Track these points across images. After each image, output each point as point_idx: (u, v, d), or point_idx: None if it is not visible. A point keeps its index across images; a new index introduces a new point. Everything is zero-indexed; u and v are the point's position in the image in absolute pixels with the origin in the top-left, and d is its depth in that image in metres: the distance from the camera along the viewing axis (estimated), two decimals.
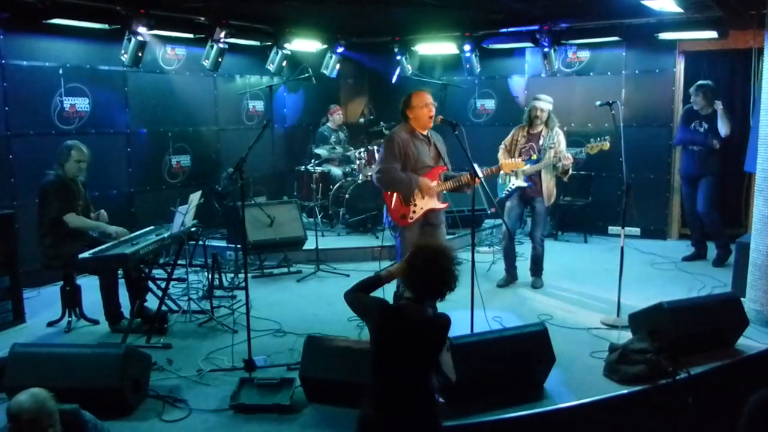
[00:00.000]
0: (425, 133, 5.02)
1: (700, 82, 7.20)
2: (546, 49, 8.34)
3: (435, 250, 2.88)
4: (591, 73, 8.72)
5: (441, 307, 3.30)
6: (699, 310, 4.73)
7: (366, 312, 3.01)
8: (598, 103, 5.61)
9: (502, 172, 5.56)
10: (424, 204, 4.97)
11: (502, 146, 6.28)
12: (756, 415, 1.83)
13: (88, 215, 5.41)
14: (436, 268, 2.81)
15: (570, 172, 6.14)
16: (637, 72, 8.43)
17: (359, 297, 3.01)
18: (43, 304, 5.91)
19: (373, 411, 2.84)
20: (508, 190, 6.25)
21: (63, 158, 5.25)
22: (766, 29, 4.67)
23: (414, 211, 4.96)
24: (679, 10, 6.45)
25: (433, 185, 4.94)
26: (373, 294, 3.04)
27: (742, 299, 5.06)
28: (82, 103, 6.98)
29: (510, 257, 6.47)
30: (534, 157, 6.09)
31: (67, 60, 6.83)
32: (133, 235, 5.40)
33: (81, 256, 4.84)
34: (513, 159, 5.66)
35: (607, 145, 5.90)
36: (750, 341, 4.83)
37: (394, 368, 2.85)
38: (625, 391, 4.13)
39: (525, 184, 6.14)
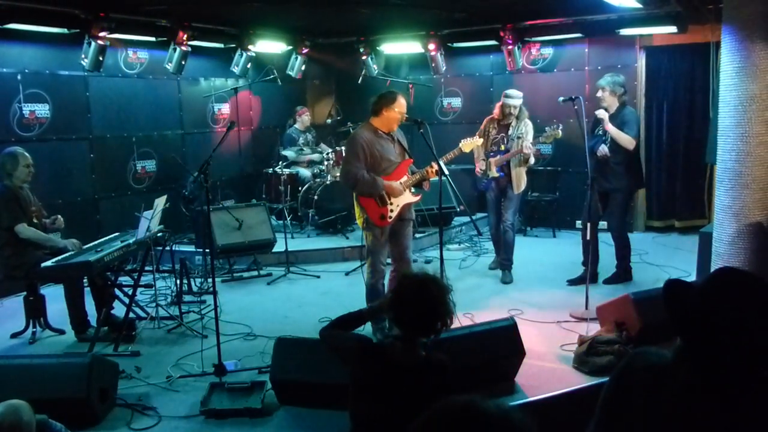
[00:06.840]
0: (387, 131, 5.04)
1: (609, 74, 6.15)
2: (510, 47, 8.43)
3: (423, 278, 2.46)
4: (554, 70, 8.83)
5: None
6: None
7: (344, 351, 2.57)
8: (561, 99, 5.67)
9: (466, 151, 5.54)
10: (399, 200, 4.99)
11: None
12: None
13: (42, 220, 5.30)
14: (425, 299, 2.39)
15: (530, 161, 6.31)
16: (599, 68, 8.52)
17: (336, 334, 2.61)
18: (5, 315, 5.78)
19: None
20: (484, 182, 6.43)
21: (10, 167, 5.07)
22: (723, 24, 4.76)
23: (392, 210, 4.97)
24: (639, 6, 6.55)
25: (396, 185, 4.96)
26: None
27: None
28: (42, 109, 6.83)
29: (498, 243, 6.67)
30: (503, 148, 6.27)
31: (25, 65, 6.68)
32: (98, 242, 5.30)
33: (44, 264, 4.75)
34: (470, 139, 5.60)
35: (559, 134, 6.14)
36: None
37: (375, 420, 2.40)
38: (595, 382, 4.17)
39: (497, 174, 6.31)
